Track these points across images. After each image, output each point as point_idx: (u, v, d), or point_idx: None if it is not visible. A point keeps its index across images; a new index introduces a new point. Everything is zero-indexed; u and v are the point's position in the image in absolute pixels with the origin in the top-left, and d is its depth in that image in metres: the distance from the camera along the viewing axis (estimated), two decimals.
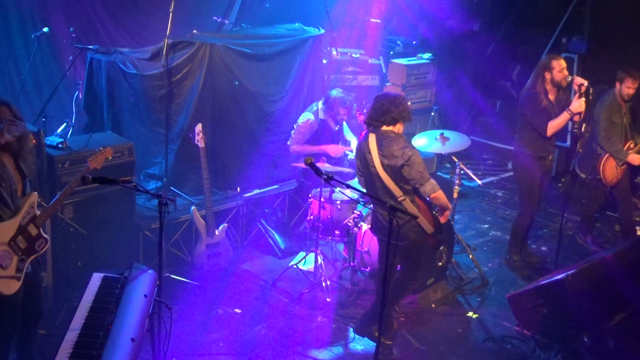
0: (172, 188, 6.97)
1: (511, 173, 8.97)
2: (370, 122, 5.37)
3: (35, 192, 4.62)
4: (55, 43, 7.79)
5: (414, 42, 9.87)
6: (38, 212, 4.59)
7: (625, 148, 7.13)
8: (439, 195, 5.28)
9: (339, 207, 6.53)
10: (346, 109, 7.00)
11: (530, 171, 6.73)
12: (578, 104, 6.38)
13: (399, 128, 5.34)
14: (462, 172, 6.91)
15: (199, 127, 6.40)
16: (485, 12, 10.64)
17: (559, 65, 6.45)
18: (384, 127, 5.29)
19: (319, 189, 6.50)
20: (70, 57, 7.37)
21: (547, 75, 6.48)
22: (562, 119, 6.47)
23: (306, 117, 7.20)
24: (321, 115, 7.13)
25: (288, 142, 7.26)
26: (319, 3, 8.62)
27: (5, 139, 4.44)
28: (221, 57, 6.99)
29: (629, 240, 6.79)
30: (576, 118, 6.47)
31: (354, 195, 6.24)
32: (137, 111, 7.13)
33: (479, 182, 7.91)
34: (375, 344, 5.50)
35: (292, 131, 7.22)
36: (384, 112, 5.27)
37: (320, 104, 7.18)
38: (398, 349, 5.69)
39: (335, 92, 7.07)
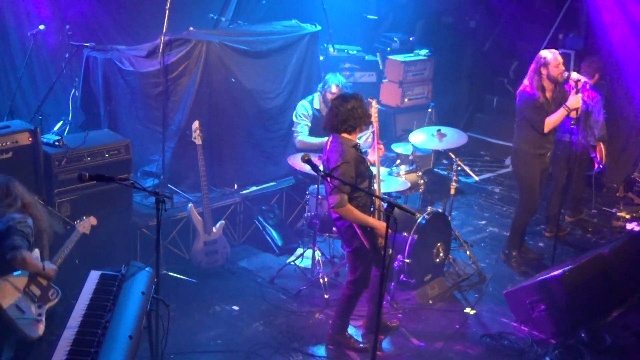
0: (169, 185, 6.96)
1: (508, 169, 9.00)
2: (328, 128, 5.29)
3: (37, 249, 4.73)
4: (51, 40, 7.77)
5: (411, 39, 9.86)
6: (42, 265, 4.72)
7: None
8: (341, 212, 5.09)
9: None
10: (338, 87, 6.84)
11: (530, 168, 6.73)
12: (575, 100, 6.38)
13: (358, 132, 5.28)
14: (459, 168, 6.91)
15: (195, 125, 6.39)
16: (482, 9, 10.64)
17: (555, 61, 6.45)
18: (344, 134, 5.22)
19: (316, 186, 6.50)
20: (67, 55, 7.35)
21: (544, 71, 6.47)
22: (559, 115, 6.47)
23: (301, 104, 7.13)
24: (316, 105, 7.09)
25: (296, 135, 7.06)
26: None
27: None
28: (218, 54, 6.98)
29: (625, 236, 6.81)
30: (573, 114, 6.47)
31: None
32: (133, 109, 7.12)
33: (476, 178, 7.92)
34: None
35: (295, 125, 7.08)
36: (341, 120, 5.18)
37: (317, 92, 7.14)
38: (395, 345, 5.71)
39: (331, 73, 6.99)
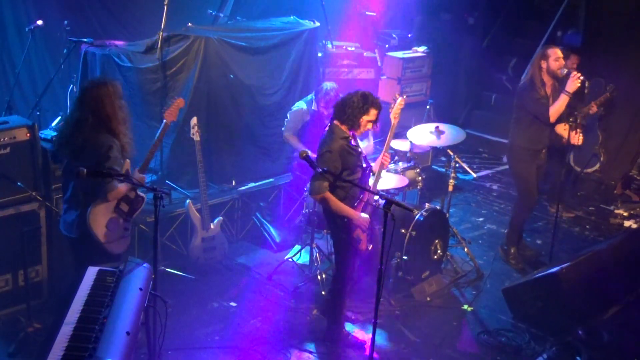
0: (167, 181, 6.96)
1: (506, 166, 8.99)
2: (333, 111, 5.34)
3: (128, 160, 5.01)
4: (49, 36, 7.77)
5: (410, 35, 9.85)
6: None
7: None
8: (317, 199, 5.18)
9: None
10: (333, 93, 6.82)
11: (526, 164, 6.74)
12: (573, 84, 6.36)
13: (348, 127, 5.26)
14: (457, 165, 6.92)
15: (194, 121, 6.38)
16: (480, 5, 10.64)
17: (555, 54, 6.46)
18: (336, 122, 5.26)
19: None
20: (65, 50, 7.35)
21: (544, 65, 6.48)
22: (562, 102, 6.43)
23: (299, 106, 7.14)
24: (314, 107, 7.09)
25: (282, 129, 7.20)
26: None
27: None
28: (216, 50, 6.97)
29: (623, 233, 6.82)
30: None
31: None
32: (131, 105, 7.05)
33: (474, 175, 7.93)
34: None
35: (286, 119, 7.17)
36: (338, 106, 5.24)
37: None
38: (392, 342, 5.71)
39: (329, 85, 6.91)
